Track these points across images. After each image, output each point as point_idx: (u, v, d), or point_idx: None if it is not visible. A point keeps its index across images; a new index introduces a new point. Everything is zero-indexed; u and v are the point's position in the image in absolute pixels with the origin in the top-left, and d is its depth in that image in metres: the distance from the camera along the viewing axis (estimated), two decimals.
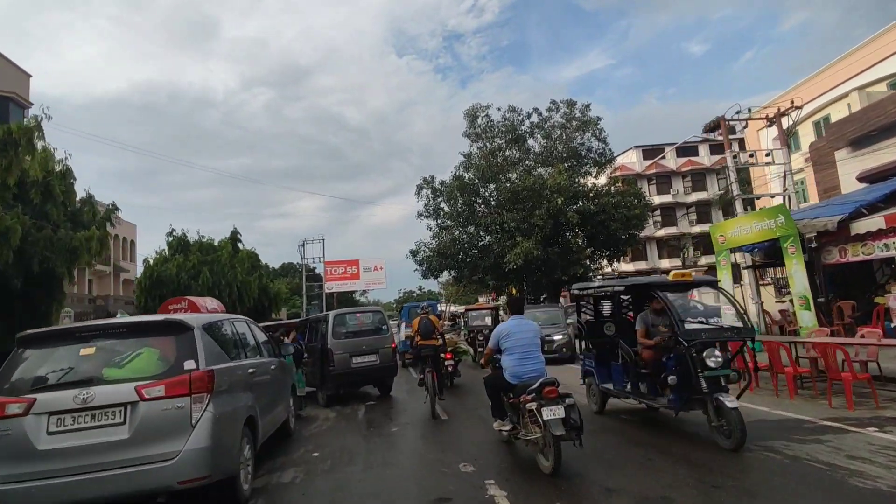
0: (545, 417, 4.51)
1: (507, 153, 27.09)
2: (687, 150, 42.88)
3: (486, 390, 5.71)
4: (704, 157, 43.59)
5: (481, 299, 62.75)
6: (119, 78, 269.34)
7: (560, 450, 4.52)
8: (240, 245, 21.70)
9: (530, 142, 28.03)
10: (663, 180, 43.80)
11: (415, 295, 77.30)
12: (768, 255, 11.90)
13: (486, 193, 26.93)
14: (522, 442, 5.06)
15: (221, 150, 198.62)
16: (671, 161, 43.23)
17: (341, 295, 54.33)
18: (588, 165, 28.85)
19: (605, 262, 29.46)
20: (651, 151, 42.64)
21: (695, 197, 42.56)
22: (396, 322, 21.93)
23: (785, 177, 12.73)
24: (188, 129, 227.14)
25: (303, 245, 38.07)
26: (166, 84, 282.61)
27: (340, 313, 10.33)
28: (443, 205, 27.15)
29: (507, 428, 5.31)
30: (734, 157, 12.80)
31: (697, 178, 43.38)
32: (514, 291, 41.48)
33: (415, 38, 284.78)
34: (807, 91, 19.30)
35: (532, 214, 23.97)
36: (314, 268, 51.34)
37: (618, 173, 33.34)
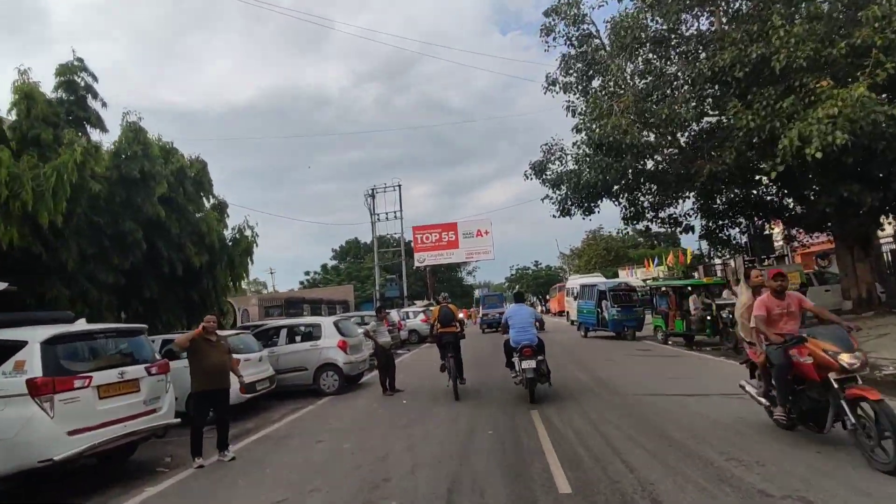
0: (522, 366, 7.61)
1: None
2: None
3: (504, 349, 8.53)
4: None
5: (622, 273, 46.30)
6: (250, 86, 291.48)
7: (532, 387, 7.59)
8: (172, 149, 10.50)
9: None
10: None
11: (529, 272, 61.62)
12: None
13: (696, 28, 12.80)
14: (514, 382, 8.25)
15: (337, 144, 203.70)
16: None
17: (437, 270, 42.35)
18: None
19: None
20: None
21: None
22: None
23: None
24: (308, 127, 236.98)
25: (372, 195, 26.77)
26: (290, 87, 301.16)
27: None
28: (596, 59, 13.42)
29: (513, 375, 8.19)
30: None
31: None
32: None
33: (518, 12, 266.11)
34: None
35: (851, 34, 9.51)
36: (397, 238, 39.87)
37: None
